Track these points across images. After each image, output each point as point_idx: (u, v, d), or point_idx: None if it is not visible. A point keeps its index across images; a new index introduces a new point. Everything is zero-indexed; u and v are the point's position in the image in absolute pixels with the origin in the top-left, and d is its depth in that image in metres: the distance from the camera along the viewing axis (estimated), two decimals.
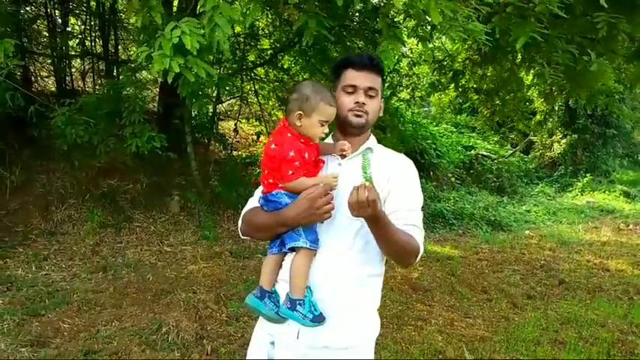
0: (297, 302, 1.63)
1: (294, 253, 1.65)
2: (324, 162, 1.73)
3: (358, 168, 1.60)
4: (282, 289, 1.71)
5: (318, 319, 1.62)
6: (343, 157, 1.73)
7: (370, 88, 1.71)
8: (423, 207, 1.79)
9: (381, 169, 1.68)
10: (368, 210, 1.45)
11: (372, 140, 1.82)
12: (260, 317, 1.82)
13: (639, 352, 3.96)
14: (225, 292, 4.66)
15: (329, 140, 1.81)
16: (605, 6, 2.93)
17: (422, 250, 1.68)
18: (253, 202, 1.82)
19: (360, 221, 1.60)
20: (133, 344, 3.58)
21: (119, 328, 3.84)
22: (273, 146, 1.64)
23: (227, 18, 2.28)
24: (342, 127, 1.76)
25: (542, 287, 5.58)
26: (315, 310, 1.63)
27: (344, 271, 1.67)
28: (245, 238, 1.89)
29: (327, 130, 1.69)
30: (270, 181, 1.65)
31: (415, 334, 4.11)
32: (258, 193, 1.79)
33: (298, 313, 1.62)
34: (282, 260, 1.73)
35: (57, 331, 3.76)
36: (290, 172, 1.61)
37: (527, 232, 8.76)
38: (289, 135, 1.64)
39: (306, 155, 1.63)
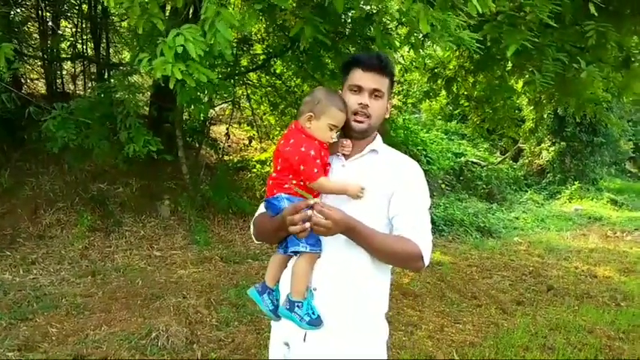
0: (296, 304, 1.64)
1: (298, 255, 1.66)
2: (330, 164, 1.73)
3: (362, 169, 1.65)
4: (285, 290, 1.72)
5: (315, 322, 1.63)
6: (345, 156, 1.74)
7: (376, 90, 1.70)
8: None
9: (384, 172, 1.70)
10: (331, 230, 1.52)
11: (377, 141, 1.80)
12: (273, 322, 1.85)
13: (626, 357, 4.00)
14: (215, 297, 4.64)
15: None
16: (596, 14, 2.98)
17: (426, 253, 1.65)
18: (263, 207, 1.84)
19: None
20: (123, 349, 3.56)
21: (108, 332, 3.81)
22: (287, 148, 1.65)
23: (228, 24, 2.30)
24: (346, 129, 1.75)
25: (530, 293, 5.62)
26: (312, 313, 1.64)
27: (348, 274, 1.67)
28: (258, 242, 1.92)
29: (334, 136, 1.70)
30: (294, 182, 1.64)
31: (405, 339, 4.12)
32: None
33: (296, 315, 1.63)
34: (288, 261, 1.74)
35: (45, 335, 3.72)
36: (315, 170, 1.62)
37: (516, 238, 8.81)
38: (303, 136, 1.65)
39: (322, 154, 1.65)
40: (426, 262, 1.66)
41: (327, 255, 1.66)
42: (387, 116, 1.83)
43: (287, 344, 1.76)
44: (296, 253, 1.65)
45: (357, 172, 1.70)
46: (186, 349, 3.68)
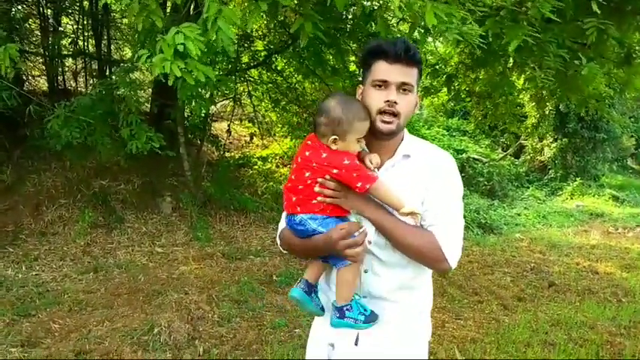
0: (345, 308, 1.57)
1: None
2: None
3: (396, 179, 1.54)
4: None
5: (371, 318, 1.57)
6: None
7: (404, 84, 1.51)
8: None
9: (419, 180, 1.57)
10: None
11: (406, 141, 1.62)
12: (316, 322, 1.78)
13: (627, 353, 4.01)
14: (217, 293, 4.65)
15: None
16: (598, 12, 2.97)
17: (450, 251, 1.55)
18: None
19: None
20: (125, 345, 3.58)
21: (111, 328, 3.82)
22: (326, 163, 1.52)
23: (230, 22, 2.30)
24: (371, 129, 1.55)
25: (532, 289, 5.62)
26: (365, 310, 1.57)
27: (392, 274, 1.61)
28: (285, 252, 1.81)
29: (363, 143, 1.57)
30: (359, 184, 1.50)
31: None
32: None
33: (349, 319, 1.56)
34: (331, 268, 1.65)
35: (48, 331, 3.74)
36: (370, 173, 1.53)
37: (517, 235, 8.81)
38: (325, 154, 1.54)
39: (358, 162, 1.56)
40: (451, 261, 1.54)
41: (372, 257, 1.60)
42: (417, 110, 1.65)
43: (332, 345, 1.68)
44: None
45: (392, 182, 1.55)
46: (188, 345, 3.70)
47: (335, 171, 1.51)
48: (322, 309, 1.67)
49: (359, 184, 1.49)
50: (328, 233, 1.51)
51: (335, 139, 1.52)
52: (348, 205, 1.55)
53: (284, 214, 1.71)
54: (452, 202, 1.60)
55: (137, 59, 2.58)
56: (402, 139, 1.63)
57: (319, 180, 1.53)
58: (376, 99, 1.52)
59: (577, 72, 3.74)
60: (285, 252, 1.79)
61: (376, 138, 1.58)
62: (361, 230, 1.51)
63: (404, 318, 1.65)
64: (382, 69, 1.51)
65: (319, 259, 1.65)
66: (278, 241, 1.77)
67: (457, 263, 1.58)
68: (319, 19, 2.91)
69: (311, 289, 1.65)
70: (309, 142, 1.58)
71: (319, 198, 1.54)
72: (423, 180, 1.56)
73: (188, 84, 2.46)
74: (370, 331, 1.60)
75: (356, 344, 1.63)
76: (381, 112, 1.51)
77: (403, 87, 1.52)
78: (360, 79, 1.64)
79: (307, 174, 1.54)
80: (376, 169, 1.58)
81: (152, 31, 2.75)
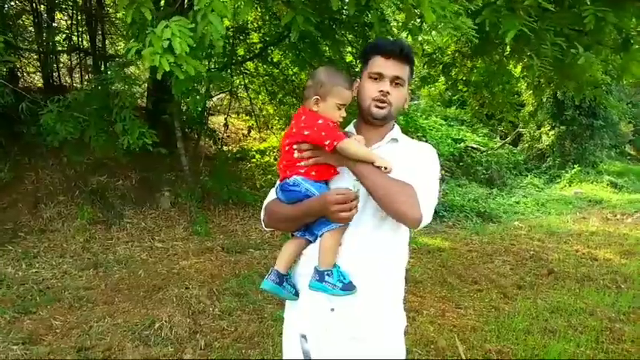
0: (326, 273, 1.61)
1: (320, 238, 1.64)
2: None
3: (383, 155, 1.62)
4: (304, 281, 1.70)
5: (348, 287, 1.61)
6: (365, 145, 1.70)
7: (397, 78, 1.67)
8: None
9: (403, 160, 1.66)
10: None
11: (396, 130, 1.78)
12: (286, 315, 1.83)
13: (627, 339, 4.03)
14: (217, 286, 4.66)
15: (350, 128, 1.79)
16: None
17: (425, 205, 1.58)
18: (274, 193, 1.79)
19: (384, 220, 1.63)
20: (126, 340, 3.58)
21: (112, 324, 3.83)
22: (302, 125, 1.63)
23: (220, 15, 2.27)
24: (364, 116, 1.72)
25: (531, 277, 5.64)
26: (344, 278, 1.61)
27: (369, 260, 1.66)
28: (268, 229, 1.88)
29: (344, 114, 1.68)
30: (327, 142, 1.58)
31: (407, 324, 4.14)
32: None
33: (327, 284, 1.60)
34: (305, 246, 1.72)
35: (49, 328, 3.75)
36: (339, 133, 1.61)
37: (516, 223, 8.84)
38: (304, 117, 1.65)
39: (331, 124, 1.64)
40: (425, 215, 1.57)
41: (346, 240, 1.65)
42: (406, 106, 1.78)
43: (304, 337, 1.73)
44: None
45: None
46: (190, 339, 3.71)
47: (306, 132, 1.61)
48: (296, 294, 1.73)
49: (327, 142, 1.58)
50: (324, 195, 1.59)
51: (317, 99, 1.64)
52: (331, 161, 1.63)
53: (270, 193, 1.82)
54: (430, 177, 1.68)
55: (127, 52, 2.54)
56: (392, 129, 1.77)
57: (294, 146, 1.65)
58: (371, 89, 1.67)
59: (574, 60, 3.71)
60: (267, 230, 1.86)
61: (368, 123, 1.73)
62: (356, 195, 1.57)
63: (375, 306, 1.69)
64: (378, 63, 1.67)
65: (299, 234, 1.71)
66: (262, 216, 1.82)
67: (425, 225, 1.61)
68: (310, 13, 2.88)
69: (282, 278, 1.71)
70: (299, 111, 1.70)
71: (301, 163, 1.64)
72: (406, 160, 1.66)
73: (181, 79, 2.43)
74: (342, 316, 1.66)
75: (326, 331, 1.68)
76: (375, 99, 1.67)
77: (396, 81, 1.67)
78: (357, 70, 1.74)
79: (287, 141, 1.67)
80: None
81: (143, 24, 2.71)
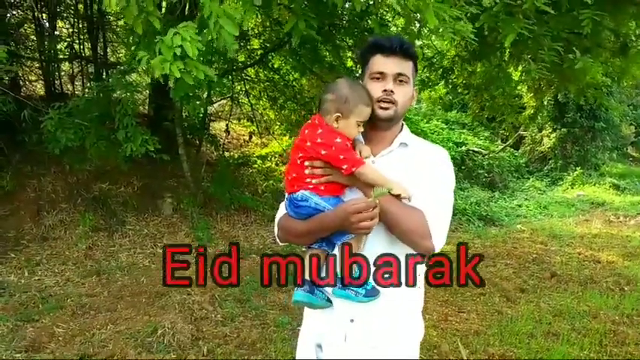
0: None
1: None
2: None
3: (392, 165, 1.58)
4: None
5: (372, 292, 1.59)
6: (373, 150, 1.66)
7: (400, 74, 1.59)
8: None
9: (415, 167, 1.62)
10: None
11: (405, 133, 1.69)
12: (305, 320, 1.80)
13: (630, 341, 4.02)
14: (219, 293, 4.65)
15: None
16: (589, 2, 2.96)
17: (437, 231, 1.55)
18: (284, 207, 1.74)
19: None
20: (129, 347, 3.58)
21: (114, 331, 3.83)
22: (319, 140, 1.56)
23: (232, 20, 2.29)
24: (370, 119, 1.62)
25: (534, 280, 5.63)
26: (367, 285, 1.60)
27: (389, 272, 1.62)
28: (283, 244, 1.84)
29: (362, 129, 1.62)
30: (345, 167, 1.54)
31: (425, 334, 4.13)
32: None
33: (351, 291, 1.59)
34: (326, 256, 1.66)
35: (52, 335, 3.75)
36: (358, 157, 1.56)
37: (518, 226, 8.82)
38: (333, 131, 1.59)
39: (348, 144, 1.59)
40: (436, 242, 1.54)
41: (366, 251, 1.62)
42: (414, 104, 1.71)
43: (320, 346, 1.70)
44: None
45: (388, 168, 1.60)
46: (192, 346, 3.71)
47: (323, 152, 1.55)
48: (329, 300, 1.68)
49: (345, 167, 1.54)
50: (342, 206, 1.52)
51: (338, 116, 1.57)
52: (344, 181, 1.59)
53: (281, 206, 1.76)
54: (443, 191, 1.64)
55: (137, 62, 2.56)
56: (401, 131, 1.69)
57: (306, 163, 1.59)
58: (374, 90, 1.59)
59: (573, 63, 3.73)
60: (282, 243, 1.81)
61: (374, 128, 1.64)
62: (376, 204, 1.52)
63: (395, 316, 1.65)
64: (379, 62, 1.60)
65: (316, 246, 1.66)
66: (276, 231, 1.78)
67: (440, 249, 1.59)
68: (312, 17, 2.90)
69: (312, 287, 1.66)
70: (315, 121, 1.62)
71: (313, 180, 1.59)
72: (418, 167, 1.62)
73: (181, 84, 2.45)
74: (361, 327, 1.63)
75: (345, 340, 1.65)
76: (379, 100, 1.59)
77: (399, 78, 1.59)
78: (357, 75, 1.70)
79: (299, 154, 1.60)
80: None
81: (149, 32, 2.73)
